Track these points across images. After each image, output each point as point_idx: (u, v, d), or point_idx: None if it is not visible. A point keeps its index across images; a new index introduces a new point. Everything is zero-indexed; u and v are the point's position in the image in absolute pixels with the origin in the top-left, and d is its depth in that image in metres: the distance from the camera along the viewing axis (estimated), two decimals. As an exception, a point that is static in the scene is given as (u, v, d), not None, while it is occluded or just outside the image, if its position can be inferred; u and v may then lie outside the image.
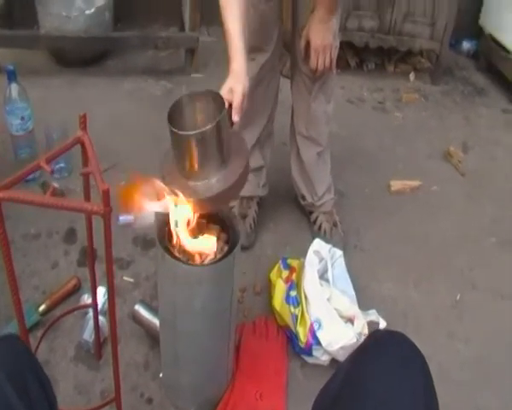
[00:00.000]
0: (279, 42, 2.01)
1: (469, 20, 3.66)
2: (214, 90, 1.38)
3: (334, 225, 2.20)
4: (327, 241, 2.00)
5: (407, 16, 3.24)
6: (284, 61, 2.28)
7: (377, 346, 1.05)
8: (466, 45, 3.78)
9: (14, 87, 2.16)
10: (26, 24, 3.19)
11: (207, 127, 1.25)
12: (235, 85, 1.48)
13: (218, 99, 1.35)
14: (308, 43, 1.87)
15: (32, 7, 3.02)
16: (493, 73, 3.52)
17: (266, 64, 1.99)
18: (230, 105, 1.43)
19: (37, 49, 3.06)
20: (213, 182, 1.29)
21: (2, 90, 2.19)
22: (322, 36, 1.83)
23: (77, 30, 2.93)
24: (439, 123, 3.08)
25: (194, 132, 1.26)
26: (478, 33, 3.65)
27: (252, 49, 1.95)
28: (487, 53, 3.56)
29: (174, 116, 1.29)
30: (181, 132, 1.25)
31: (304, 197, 2.23)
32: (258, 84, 2.01)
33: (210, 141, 1.26)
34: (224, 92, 1.45)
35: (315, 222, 2.22)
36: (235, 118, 1.44)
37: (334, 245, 1.98)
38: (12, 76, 2.14)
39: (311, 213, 2.25)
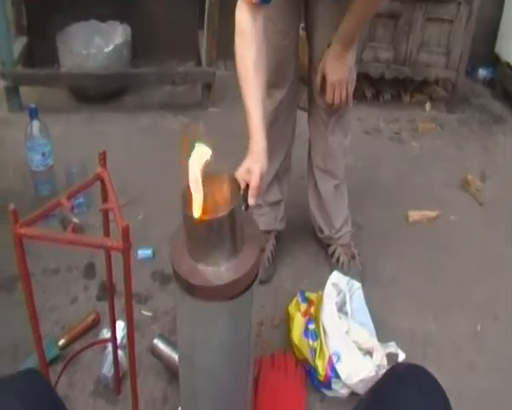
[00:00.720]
0: (296, 77, 2.03)
1: (485, 48, 3.69)
2: (231, 173, 1.38)
3: (352, 257, 2.20)
4: (345, 273, 1.99)
5: (422, 46, 3.28)
6: (301, 95, 2.29)
7: (397, 379, 1.05)
8: (482, 73, 3.81)
9: (35, 124, 2.20)
10: (47, 62, 3.26)
11: (222, 214, 1.24)
12: (253, 166, 1.49)
13: (234, 183, 1.35)
14: (324, 78, 1.89)
15: (53, 46, 3.09)
16: (510, 101, 3.53)
17: (283, 100, 2.01)
18: (247, 186, 1.43)
19: (57, 86, 3.14)
20: (223, 270, 1.25)
21: (24, 126, 2.23)
22: (337, 71, 1.85)
23: (96, 67, 3.00)
24: (457, 152, 3.08)
25: (207, 219, 1.26)
26: (494, 61, 3.68)
27: (269, 86, 1.97)
28: (504, 80, 3.57)
29: (188, 195, 1.29)
30: (194, 216, 1.25)
31: (321, 230, 2.23)
32: (276, 121, 2.03)
33: (223, 228, 1.25)
34: (241, 172, 1.46)
35: (333, 255, 2.22)
36: (251, 201, 1.44)
37: (352, 277, 1.97)
38: (34, 113, 2.19)
39: (328, 245, 2.25)
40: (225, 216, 1.23)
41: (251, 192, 1.46)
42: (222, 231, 1.24)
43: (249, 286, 1.32)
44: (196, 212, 1.27)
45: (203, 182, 1.29)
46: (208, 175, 1.32)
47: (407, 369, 1.10)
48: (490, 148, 3.14)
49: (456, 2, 3.15)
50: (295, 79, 2.03)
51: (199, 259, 1.28)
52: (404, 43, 3.25)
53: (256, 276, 1.33)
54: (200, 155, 1.25)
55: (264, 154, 1.54)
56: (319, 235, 2.26)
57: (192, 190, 1.29)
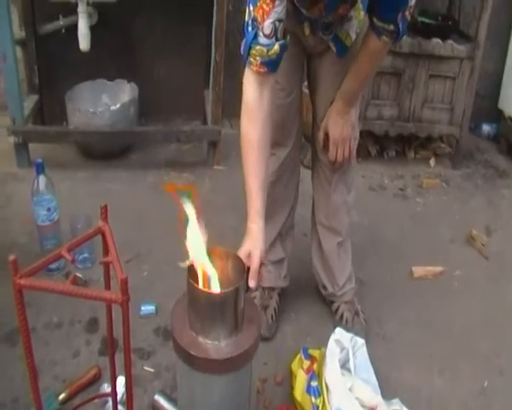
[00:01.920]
0: (299, 136, 2.04)
1: (488, 104, 3.75)
2: (236, 253, 1.40)
3: (356, 314, 2.18)
4: (349, 330, 1.98)
5: (425, 102, 3.32)
6: (305, 153, 2.31)
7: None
8: (486, 129, 3.85)
9: (41, 179, 2.23)
10: (56, 120, 3.34)
11: (228, 290, 1.26)
12: (253, 251, 1.50)
13: (240, 261, 1.36)
14: (327, 135, 1.90)
15: (62, 104, 3.16)
16: (515, 156, 3.56)
17: (287, 159, 2.02)
18: (248, 269, 1.45)
19: (65, 143, 3.18)
20: (223, 346, 1.28)
21: (31, 182, 2.27)
22: (340, 128, 1.87)
23: (103, 125, 3.05)
24: (461, 207, 3.09)
25: (213, 293, 1.27)
26: (497, 116, 3.72)
27: (272, 145, 1.99)
28: (508, 135, 3.61)
29: (193, 267, 1.30)
30: (200, 289, 1.26)
31: (325, 287, 2.22)
32: (279, 179, 2.04)
33: (227, 304, 1.26)
34: (241, 255, 1.47)
35: (336, 311, 2.20)
36: (251, 284, 1.45)
37: (356, 334, 1.95)
38: (40, 169, 2.22)
39: (332, 302, 2.23)
40: (231, 292, 1.24)
41: (251, 275, 1.47)
42: (226, 306, 1.26)
43: (248, 360, 1.33)
44: (202, 285, 1.29)
45: (211, 256, 1.31)
46: (215, 250, 1.33)
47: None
48: (494, 202, 3.15)
49: (459, 58, 3.21)
50: (299, 138, 2.05)
51: (200, 331, 1.28)
52: (407, 100, 3.30)
53: (254, 353, 1.34)
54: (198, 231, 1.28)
55: (263, 236, 1.55)
56: (323, 292, 2.25)
57: (199, 264, 1.31)
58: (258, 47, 1.51)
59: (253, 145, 1.59)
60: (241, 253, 1.49)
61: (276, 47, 1.53)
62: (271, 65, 1.55)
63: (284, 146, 2.00)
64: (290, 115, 1.96)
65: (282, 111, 1.92)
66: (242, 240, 1.55)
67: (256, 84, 1.57)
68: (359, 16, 1.76)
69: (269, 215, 2.06)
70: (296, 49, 1.86)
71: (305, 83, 2.03)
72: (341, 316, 2.17)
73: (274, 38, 1.52)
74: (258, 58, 1.52)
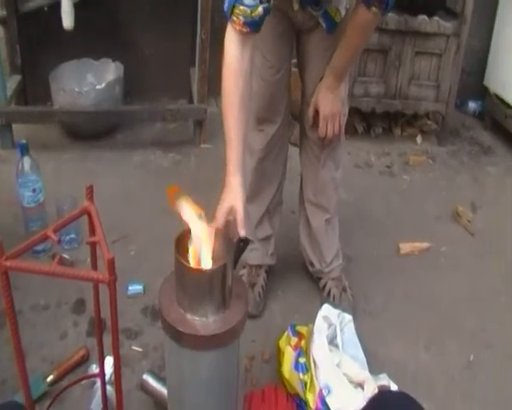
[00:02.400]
0: (287, 113, 2.04)
1: (474, 81, 3.75)
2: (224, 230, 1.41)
3: (344, 290, 2.19)
4: (336, 306, 1.99)
5: (412, 80, 3.32)
6: (292, 130, 2.31)
7: (383, 407, 1.04)
8: (471, 106, 3.86)
9: (26, 160, 2.21)
10: (40, 100, 3.30)
11: (215, 266, 1.26)
12: (235, 204, 1.51)
13: (227, 238, 1.36)
14: (317, 112, 1.90)
15: (46, 84, 3.12)
16: (499, 132, 3.59)
17: (275, 135, 2.02)
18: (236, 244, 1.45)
19: (50, 123, 3.16)
20: (211, 321, 1.28)
21: (15, 163, 2.25)
22: (330, 103, 1.86)
23: (88, 105, 3.02)
24: (447, 184, 3.11)
25: (200, 269, 1.27)
26: (483, 93, 3.73)
27: (260, 121, 1.99)
28: (493, 112, 3.63)
29: (180, 244, 1.30)
30: (188, 266, 1.26)
31: (312, 264, 2.23)
32: (267, 156, 2.04)
33: (214, 280, 1.26)
34: (224, 211, 1.49)
35: (324, 288, 2.21)
36: (242, 232, 1.46)
37: (344, 310, 1.97)
38: (24, 150, 2.20)
39: (319, 279, 2.24)
40: (218, 268, 1.24)
41: (240, 226, 1.47)
42: (213, 283, 1.25)
43: (236, 337, 1.33)
44: (190, 262, 1.29)
45: (197, 233, 1.31)
46: (202, 227, 1.33)
47: (394, 397, 1.09)
48: (480, 179, 3.17)
49: (445, 35, 3.20)
50: (287, 115, 2.04)
51: (188, 308, 1.28)
52: (394, 78, 3.30)
53: (242, 329, 1.34)
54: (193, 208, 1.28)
55: (242, 187, 1.56)
56: (310, 269, 2.26)
57: (187, 240, 1.30)
58: (241, 7, 1.51)
59: (233, 101, 1.59)
60: (223, 209, 1.51)
61: (260, 9, 1.52)
62: (254, 25, 1.55)
63: (273, 122, 2.00)
64: (279, 92, 1.96)
65: (270, 88, 1.93)
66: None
67: (238, 43, 1.57)
68: None
69: (257, 191, 2.08)
70: (284, 25, 1.86)
71: (294, 60, 2.02)
72: (329, 292, 2.18)
73: (258, 0, 1.51)
74: (241, 17, 1.52)
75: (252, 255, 2.18)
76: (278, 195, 2.17)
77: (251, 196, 2.12)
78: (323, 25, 1.81)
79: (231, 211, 1.50)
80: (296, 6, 1.78)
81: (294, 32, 1.92)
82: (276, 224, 2.21)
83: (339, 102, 1.88)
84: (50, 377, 1.76)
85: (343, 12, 1.79)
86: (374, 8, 1.62)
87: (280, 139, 2.05)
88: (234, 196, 1.53)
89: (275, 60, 1.90)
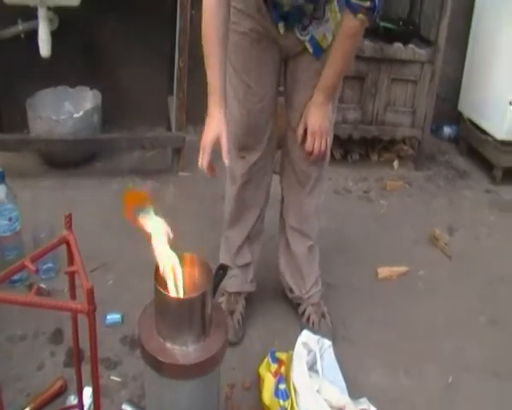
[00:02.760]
0: (272, 141, 2.04)
1: (449, 107, 3.82)
2: (201, 257, 1.41)
3: (323, 316, 2.19)
4: (315, 332, 1.99)
5: (388, 106, 3.37)
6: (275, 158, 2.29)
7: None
8: (447, 131, 3.92)
9: (1, 189, 2.19)
10: (16, 128, 3.27)
11: (195, 295, 1.26)
12: (219, 134, 1.62)
13: (206, 267, 1.36)
14: (305, 131, 1.90)
15: (23, 111, 3.11)
16: (474, 156, 3.64)
17: (257, 163, 2.01)
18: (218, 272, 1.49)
19: (27, 151, 3.14)
20: (191, 350, 1.28)
21: (-10, 192, 2.23)
22: (320, 120, 1.87)
23: (65, 133, 3.01)
24: (424, 208, 3.14)
25: (180, 298, 1.27)
26: (457, 119, 3.80)
27: (242, 148, 1.99)
28: (467, 137, 3.69)
29: (160, 272, 1.30)
30: (167, 294, 1.26)
31: (291, 290, 2.23)
32: (248, 183, 2.04)
33: (194, 308, 1.26)
34: (208, 142, 1.61)
35: (303, 314, 2.21)
36: (227, 161, 1.63)
37: (323, 336, 1.97)
38: (0, 178, 2.18)
39: (298, 305, 2.24)
40: (198, 297, 1.24)
41: (224, 155, 1.62)
42: (193, 311, 1.25)
43: (216, 365, 1.33)
44: (169, 290, 1.28)
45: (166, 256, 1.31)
46: (181, 255, 1.33)
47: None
48: (456, 202, 3.21)
49: (420, 62, 3.26)
50: (271, 143, 2.04)
51: (168, 337, 1.28)
52: (370, 104, 3.34)
53: (222, 357, 1.34)
54: (161, 228, 1.28)
55: (224, 117, 1.66)
56: (289, 295, 2.25)
57: (166, 269, 1.30)
58: None
59: (212, 41, 1.66)
60: (208, 140, 1.61)
61: None
62: None
63: (254, 150, 2.00)
64: (261, 121, 1.97)
65: (252, 117, 1.94)
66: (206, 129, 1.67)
67: None
68: (336, 18, 1.78)
69: (238, 218, 2.09)
70: (270, 53, 1.88)
71: (281, 88, 2.02)
72: (308, 318, 2.18)
73: None
74: None
75: (231, 282, 2.17)
76: (259, 222, 2.17)
77: (231, 223, 2.13)
78: (310, 50, 1.83)
79: (216, 140, 1.61)
80: (282, 30, 1.81)
81: (282, 59, 1.93)
82: (256, 251, 2.21)
83: (327, 119, 1.89)
84: (27, 410, 1.73)
85: (330, 38, 1.81)
86: (360, 16, 1.64)
87: (262, 167, 2.04)
88: (217, 125, 1.64)
89: (259, 88, 1.91)
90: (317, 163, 1.99)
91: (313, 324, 2.15)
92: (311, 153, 1.93)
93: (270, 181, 2.13)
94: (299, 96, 1.93)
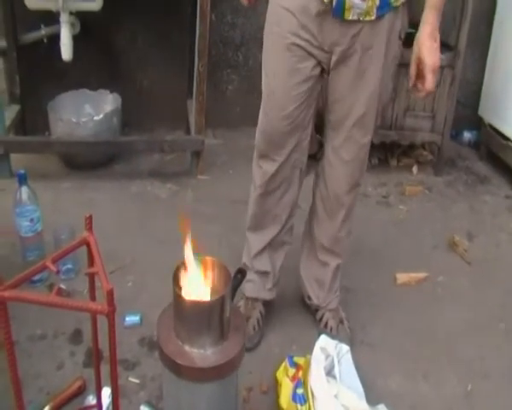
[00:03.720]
0: (296, 154, 1.93)
1: (469, 112, 3.79)
2: (220, 261, 1.41)
3: (341, 321, 2.18)
4: (333, 338, 1.98)
5: (407, 111, 3.35)
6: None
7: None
8: (467, 136, 3.90)
9: (24, 190, 2.22)
10: (38, 131, 3.32)
11: (213, 299, 1.26)
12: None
13: (225, 270, 1.37)
14: (418, 67, 1.75)
15: (44, 114, 3.15)
16: (495, 162, 3.61)
17: (276, 176, 1.94)
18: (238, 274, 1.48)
19: (48, 153, 3.17)
20: (209, 354, 1.28)
21: (14, 193, 2.25)
22: (434, 51, 1.72)
23: (86, 135, 3.04)
24: (443, 213, 3.12)
25: (199, 301, 1.28)
26: (478, 123, 3.77)
27: (261, 156, 1.94)
28: (488, 142, 3.66)
29: (179, 275, 1.31)
30: (186, 298, 1.26)
31: (310, 298, 2.21)
32: (268, 194, 1.98)
33: (213, 313, 1.26)
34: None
35: (321, 320, 2.19)
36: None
37: (341, 341, 1.95)
38: (22, 179, 2.21)
39: (316, 310, 2.22)
40: (217, 301, 1.25)
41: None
42: (212, 315, 1.26)
43: (234, 369, 1.33)
44: (188, 294, 1.29)
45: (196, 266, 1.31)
46: (201, 259, 1.34)
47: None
48: (476, 208, 3.19)
49: (440, 67, 3.22)
50: (294, 156, 1.93)
51: (186, 340, 1.29)
52: (390, 109, 3.33)
53: (240, 361, 1.34)
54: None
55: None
56: (307, 301, 2.24)
57: (185, 273, 1.31)
58: None
59: None
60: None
61: None
62: None
63: (272, 160, 1.91)
64: (283, 130, 1.86)
65: (272, 124, 1.87)
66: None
67: None
68: None
69: (257, 224, 2.07)
70: (305, 63, 1.77)
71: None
72: (326, 324, 2.17)
73: None
74: None
75: (248, 287, 2.15)
76: (284, 234, 2.11)
77: (251, 227, 2.11)
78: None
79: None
80: None
81: (319, 72, 1.81)
82: (277, 262, 2.15)
83: (438, 51, 1.73)
84: (46, 408, 1.74)
85: None
86: None
87: (285, 181, 1.96)
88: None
89: (282, 96, 1.82)
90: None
91: (331, 329, 2.14)
92: (427, 93, 1.77)
93: (296, 193, 2.04)
94: (341, 104, 1.84)
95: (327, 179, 1.99)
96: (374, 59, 1.75)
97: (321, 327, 2.18)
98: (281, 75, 1.81)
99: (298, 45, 1.74)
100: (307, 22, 1.70)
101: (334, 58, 1.75)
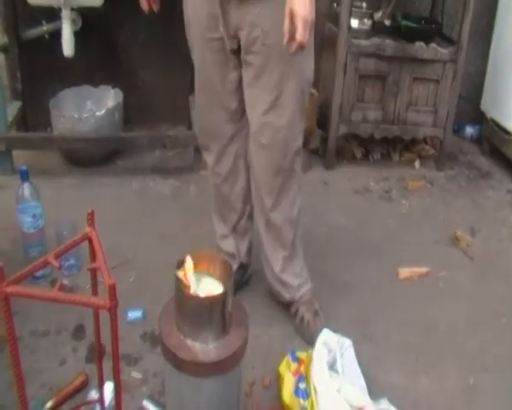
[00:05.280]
0: (237, 141, 2.00)
1: (471, 106, 3.79)
2: (222, 255, 1.41)
3: (316, 314, 2.13)
4: (311, 331, 2.02)
5: (410, 106, 3.34)
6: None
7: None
8: (469, 130, 3.90)
9: (26, 186, 2.22)
10: (40, 127, 3.32)
11: (216, 294, 1.26)
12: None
13: (227, 265, 1.37)
14: (291, 20, 1.60)
15: (46, 111, 3.15)
16: (497, 156, 3.61)
17: (217, 166, 2.03)
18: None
19: (50, 149, 3.17)
20: (211, 348, 1.28)
21: (16, 189, 2.26)
22: (306, 5, 1.57)
23: (87, 131, 3.04)
24: (446, 208, 3.12)
25: (201, 296, 1.28)
26: (480, 118, 3.76)
27: (201, 147, 2.05)
28: (490, 137, 3.65)
29: (181, 270, 1.31)
30: (189, 293, 1.26)
31: (281, 296, 2.16)
32: (220, 185, 2.07)
33: (215, 307, 1.26)
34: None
35: (296, 314, 2.14)
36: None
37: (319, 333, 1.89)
38: (24, 176, 2.21)
39: (290, 305, 2.16)
40: (219, 296, 1.25)
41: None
42: (214, 309, 1.26)
43: (236, 363, 1.33)
44: (190, 289, 1.29)
45: (198, 259, 1.32)
46: (203, 253, 1.34)
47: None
48: (478, 203, 3.19)
49: (442, 61, 3.23)
50: (234, 145, 2.01)
51: (188, 334, 1.29)
52: (392, 104, 3.32)
53: (242, 355, 1.34)
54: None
55: None
56: (279, 299, 2.18)
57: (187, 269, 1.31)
58: None
59: None
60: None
61: None
62: None
63: (208, 150, 2.01)
64: (214, 121, 1.96)
65: (202, 114, 1.97)
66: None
67: None
68: None
69: (218, 211, 2.16)
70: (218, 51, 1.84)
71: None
72: (302, 319, 2.12)
73: None
74: None
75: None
76: (245, 221, 2.15)
77: (214, 211, 2.20)
78: None
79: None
80: None
81: (232, 59, 1.87)
82: (241, 247, 2.19)
83: (311, 6, 1.59)
84: (49, 404, 1.74)
85: None
86: None
87: (231, 171, 2.04)
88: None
89: (205, 85, 1.95)
90: (300, 50, 1.64)
91: (308, 323, 2.10)
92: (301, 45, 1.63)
93: (246, 182, 2.07)
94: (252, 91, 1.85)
95: (253, 166, 1.99)
96: (278, 40, 1.66)
97: (297, 322, 2.13)
98: (206, 68, 1.89)
99: (212, 39, 1.81)
100: (213, 10, 1.76)
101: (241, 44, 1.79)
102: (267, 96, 1.81)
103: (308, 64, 1.84)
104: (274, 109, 1.82)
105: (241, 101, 1.92)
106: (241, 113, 1.95)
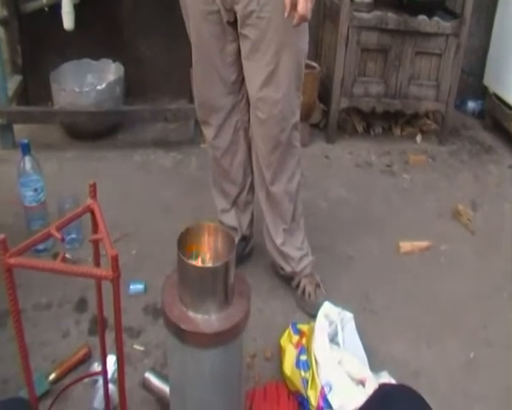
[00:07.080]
0: (237, 112, 2.02)
1: (474, 81, 3.78)
2: (224, 227, 1.40)
3: (317, 286, 2.14)
4: (312, 303, 2.04)
5: (412, 79, 3.33)
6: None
7: (385, 400, 1.04)
8: (471, 105, 3.89)
9: (27, 160, 2.22)
10: (41, 100, 3.30)
11: (217, 264, 1.26)
12: None
13: (229, 237, 1.36)
14: None
15: (47, 84, 3.13)
16: (499, 131, 3.60)
17: (217, 138, 2.04)
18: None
19: (51, 123, 3.17)
20: (213, 319, 1.28)
21: (17, 163, 2.25)
22: None
23: (88, 105, 3.03)
24: (447, 183, 3.12)
25: (202, 267, 1.28)
26: (483, 93, 3.75)
27: (200, 121, 2.05)
28: (493, 112, 3.64)
29: (183, 242, 1.31)
30: (191, 264, 1.26)
31: (283, 268, 2.18)
32: (220, 158, 2.08)
33: (217, 278, 1.26)
34: None
35: (297, 287, 2.16)
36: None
37: (320, 305, 1.91)
38: (26, 149, 2.20)
39: (292, 278, 2.19)
40: (221, 266, 1.25)
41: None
42: (216, 280, 1.26)
43: (238, 334, 1.33)
44: (192, 260, 1.29)
45: (200, 231, 1.31)
46: (205, 226, 1.34)
47: (395, 390, 1.09)
48: (480, 177, 3.18)
49: (445, 35, 3.21)
50: (233, 118, 2.02)
51: (190, 306, 1.29)
52: (394, 77, 3.31)
53: (244, 326, 1.34)
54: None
55: None
56: (281, 272, 2.20)
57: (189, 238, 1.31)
58: None
59: None
60: None
61: None
62: None
63: (208, 124, 2.02)
64: (212, 94, 1.96)
65: (200, 88, 1.97)
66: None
67: None
68: None
69: (218, 185, 2.16)
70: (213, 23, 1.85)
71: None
72: (303, 290, 2.14)
73: None
74: None
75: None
76: (246, 194, 2.17)
77: (214, 185, 2.20)
78: None
79: None
80: None
81: (229, 30, 1.87)
82: (243, 221, 2.22)
83: None
84: (52, 376, 1.76)
85: None
86: None
87: (231, 144, 2.05)
88: None
89: (202, 56, 1.95)
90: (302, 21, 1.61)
91: (309, 295, 2.12)
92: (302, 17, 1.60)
93: (246, 154, 2.10)
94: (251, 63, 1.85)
95: (254, 139, 2.01)
96: (274, 14, 1.71)
97: (298, 295, 2.16)
98: (204, 41, 1.89)
99: (209, 11, 1.81)
100: None
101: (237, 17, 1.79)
102: (263, 69, 1.81)
103: (303, 35, 1.83)
104: (270, 83, 1.82)
105: (240, 72, 1.92)
106: (240, 84, 1.96)
